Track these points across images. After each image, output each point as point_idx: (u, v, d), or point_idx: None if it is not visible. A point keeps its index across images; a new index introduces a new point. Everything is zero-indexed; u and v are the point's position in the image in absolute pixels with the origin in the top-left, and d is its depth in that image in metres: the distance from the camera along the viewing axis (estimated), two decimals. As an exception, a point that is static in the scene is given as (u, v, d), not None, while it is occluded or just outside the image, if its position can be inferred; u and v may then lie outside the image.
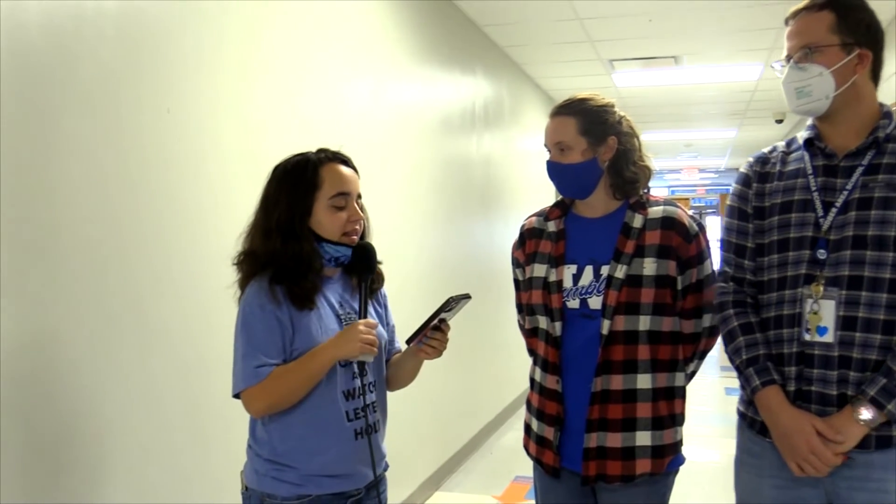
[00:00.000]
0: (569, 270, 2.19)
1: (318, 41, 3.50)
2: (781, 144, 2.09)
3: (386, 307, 2.17)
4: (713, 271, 2.22)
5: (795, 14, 1.97)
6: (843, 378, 1.85)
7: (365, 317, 1.98)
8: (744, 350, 1.99)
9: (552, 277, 2.20)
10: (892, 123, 1.93)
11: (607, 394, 2.12)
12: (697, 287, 2.19)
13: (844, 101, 1.91)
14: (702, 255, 2.20)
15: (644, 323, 2.13)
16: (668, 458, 2.18)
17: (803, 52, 1.93)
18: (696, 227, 2.21)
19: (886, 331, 1.81)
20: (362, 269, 2.02)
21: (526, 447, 2.32)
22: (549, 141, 2.24)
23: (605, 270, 2.15)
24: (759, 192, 2.04)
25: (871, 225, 1.84)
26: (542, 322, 2.23)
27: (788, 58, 1.97)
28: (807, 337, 1.89)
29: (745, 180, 2.09)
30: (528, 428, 2.32)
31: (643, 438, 2.13)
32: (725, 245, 2.12)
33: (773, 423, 1.93)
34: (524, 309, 2.33)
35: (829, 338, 1.86)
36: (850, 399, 1.83)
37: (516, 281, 2.38)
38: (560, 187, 2.28)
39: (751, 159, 2.12)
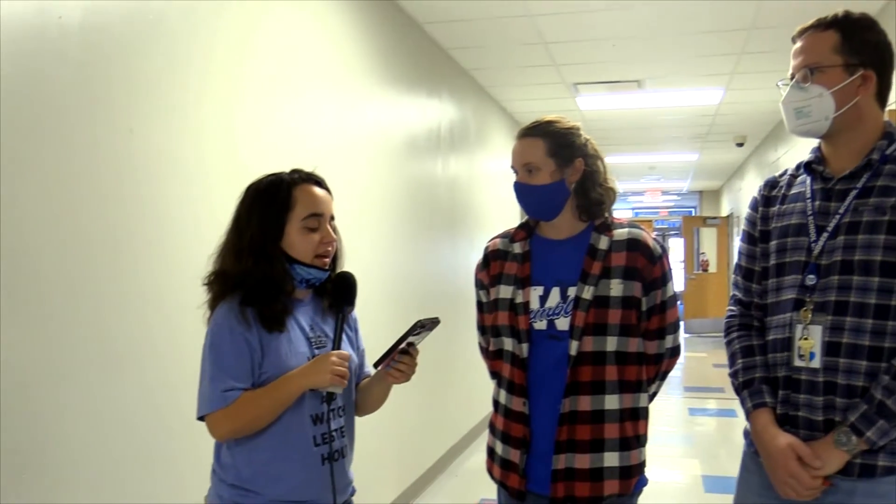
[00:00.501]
0: (535, 292, 2.20)
1: (284, 63, 3.50)
2: (792, 168, 2.07)
3: (356, 331, 2.15)
4: (675, 293, 2.25)
5: (802, 32, 1.93)
6: (829, 404, 1.83)
7: (339, 347, 1.95)
8: (741, 372, 1.99)
9: (519, 299, 2.20)
10: (893, 144, 1.88)
11: (575, 415, 2.12)
12: (661, 308, 2.21)
13: (845, 123, 1.88)
14: (665, 277, 2.22)
15: (611, 344, 2.14)
16: (635, 478, 2.18)
17: (805, 72, 1.89)
18: (659, 250, 2.23)
19: (872, 357, 1.79)
20: (341, 301, 2.00)
21: (489, 471, 2.30)
22: (517, 162, 2.24)
23: (572, 291, 2.16)
24: (765, 216, 2.04)
25: (857, 250, 1.82)
26: (508, 344, 2.22)
27: (792, 77, 1.93)
28: (798, 362, 1.87)
29: (754, 204, 2.09)
30: (491, 451, 2.29)
31: (611, 459, 2.14)
32: (736, 269, 2.12)
33: (760, 445, 1.93)
34: (488, 331, 2.32)
35: (815, 363, 1.84)
36: (836, 425, 1.81)
37: (479, 303, 2.37)
38: (528, 209, 2.29)
39: (762, 183, 2.12)
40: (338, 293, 2.01)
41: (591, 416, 2.12)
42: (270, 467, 1.89)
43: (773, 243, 1.99)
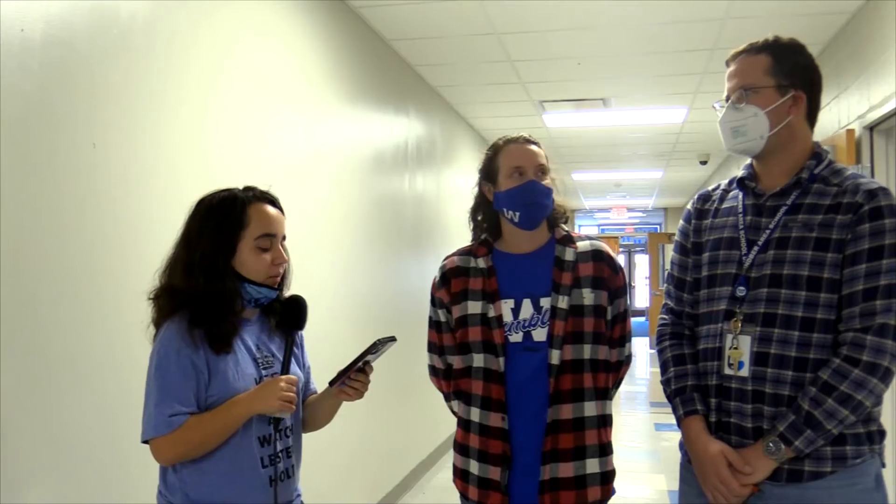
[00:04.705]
0: (507, 305, 2.20)
1: (252, 80, 3.48)
2: (724, 182, 2.16)
3: (302, 347, 2.13)
4: (629, 304, 2.33)
5: (735, 56, 2.03)
6: (757, 412, 1.90)
7: (287, 372, 1.93)
8: (673, 381, 2.06)
9: (491, 313, 2.20)
10: (821, 164, 1.97)
11: (558, 424, 2.14)
12: (623, 317, 2.28)
13: (779, 142, 1.97)
14: (625, 287, 2.31)
15: (588, 351, 2.18)
16: (611, 484, 2.23)
17: (740, 93, 1.98)
18: (617, 261, 2.31)
19: (798, 367, 1.86)
20: (292, 325, 1.99)
21: (464, 493, 2.25)
22: (533, 163, 2.23)
23: (545, 302, 2.18)
24: (697, 229, 2.12)
25: (786, 264, 1.90)
26: (480, 360, 2.21)
27: (727, 98, 2.02)
28: (727, 371, 1.94)
29: (687, 216, 2.17)
30: (463, 473, 2.25)
31: (592, 466, 2.17)
32: (669, 278, 2.19)
33: (692, 451, 2.00)
34: (453, 349, 2.29)
35: (744, 372, 1.91)
36: (764, 433, 1.88)
37: (437, 322, 2.34)
38: (539, 212, 2.24)
39: (695, 196, 2.20)
40: (288, 316, 1.99)
41: (573, 423, 2.16)
42: (218, 489, 1.86)
43: (706, 255, 2.06)
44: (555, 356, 2.15)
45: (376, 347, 1.93)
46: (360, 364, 1.96)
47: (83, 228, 2.41)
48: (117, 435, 2.47)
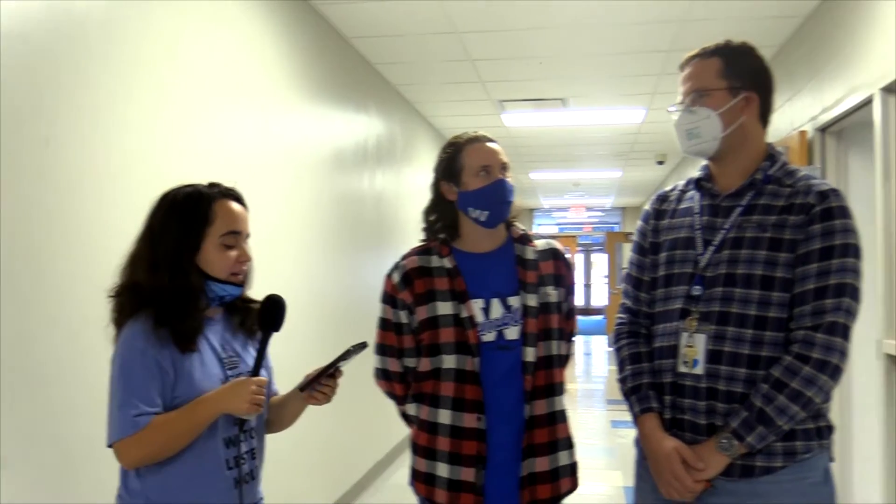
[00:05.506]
0: (476, 305, 2.20)
1: (209, 76, 3.45)
2: (682, 183, 2.19)
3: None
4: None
5: (688, 60, 2.07)
6: (711, 409, 1.93)
7: (258, 374, 1.90)
8: (629, 378, 2.08)
9: (463, 313, 2.19)
10: (775, 165, 2.01)
11: (533, 420, 2.18)
12: (573, 313, 2.36)
13: (733, 143, 2.00)
14: (574, 284, 2.38)
15: (556, 347, 2.23)
16: (577, 475, 2.28)
17: (693, 96, 2.02)
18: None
19: (751, 365, 1.90)
20: (269, 325, 1.95)
21: (429, 497, 2.22)
22: (498, 161, 2.25)
23: (513, 301, 2.21)
24: (655, 229, 2.15)
25: (740, 264, 1.94)
26: (450, 361, 2.18)
27: (682, 102, 2.06)
28: (682, 369, 1.97)
29: (645, 217, 2.20)
30: (428, 476, 2.22)
31: (564, 458, 2.23)
32: (626, 278, 2.22)
33: (647, 448, 2.03)
34: (420, 350, 2.24)
35: (699, 370, 1.94)
36: (718, 429, 1.91)
37: (396, 324, 2.27)
38: (503, 211, 2.25)
39: (653, 197, 2.23)
40: (267, 316, 1.95)
41: (548, 418, 2.20)
42: (183, 494, 1.83)
43: (663, 255, 2.09)
44: (530, 353, 2.17)
45: (349, 354, 1.92)
46: (331, 370, 1.96)
47: (33, 224, 2.36)
48: (83, 434, 2.43)
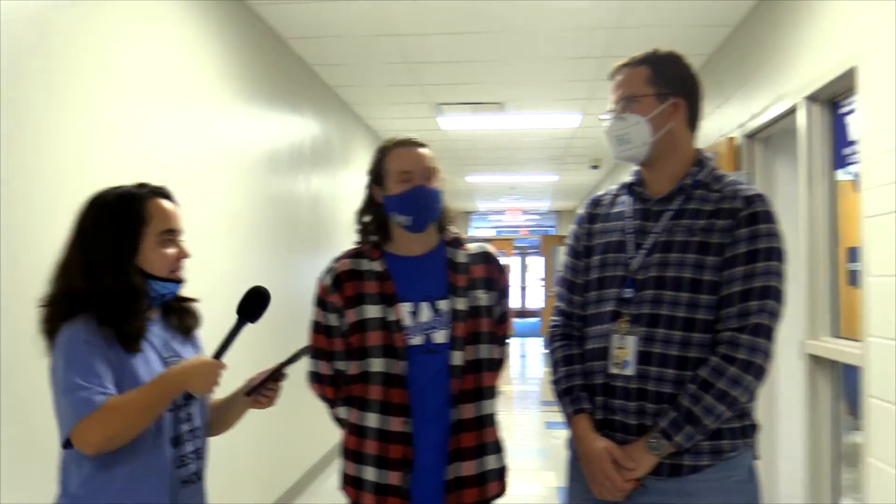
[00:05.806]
0: (405, 308, 2.20)
1: (139, 76, 3.39)
2: (615, 187, 2.23)
3: (201, 349, 2.07)
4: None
5: (618, 69, 2.12)
6: (641, 409, 1.97)
7: (220, 358, 1.89)
8: (563, 380, 2.11)
9: (391, 317, 2.18)
10: (704, 170, 2.07)
11: (460, 423, 2.17)
12: (506, 316, 2.35)
13: (662, 148, 2.05)
14: (508, 288, 2.38)
15: (485, 351, 2.22)
16: (506, 479, 2.27)
17: (623, 104, 2.07)
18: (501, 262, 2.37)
19: (680, 366, 1.94)
20: (249, 313, 1.96)
21: (357, 501, 2.20)
22: (420, 166, 2.22)
23: (442, 305, 2.20)
24: (588, 232, 2.18)
25: (670, 267, 1.98)
26: (378, 364, 2.18)
27: (613, 110, 2.10)
28: (613, 370, 2.01)
29: (579, 220, 2.23)
30: (356, 480, 2.20)
31: (492, 462, 2.23)
32: (560, 281, 2.24)
33: (579, 448, 2.05)
34: (351, 354, 2.22)
35: (629, 371, 1.98)
36: (647, 429, 1.95)
37: (326, 327, 2.26)
38: (427, 216, 2.24)
39: (587, 201, 2.26)
40: (248, 305, 1.96)
41: (475, 422, 2.19)
42: (129, 495, 1.78)
43: (596, 258, 2.13)
44: (457, 357, 2.17)
45: (295, 358, 1.94)
46: (276, 374, 1.97)
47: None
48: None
